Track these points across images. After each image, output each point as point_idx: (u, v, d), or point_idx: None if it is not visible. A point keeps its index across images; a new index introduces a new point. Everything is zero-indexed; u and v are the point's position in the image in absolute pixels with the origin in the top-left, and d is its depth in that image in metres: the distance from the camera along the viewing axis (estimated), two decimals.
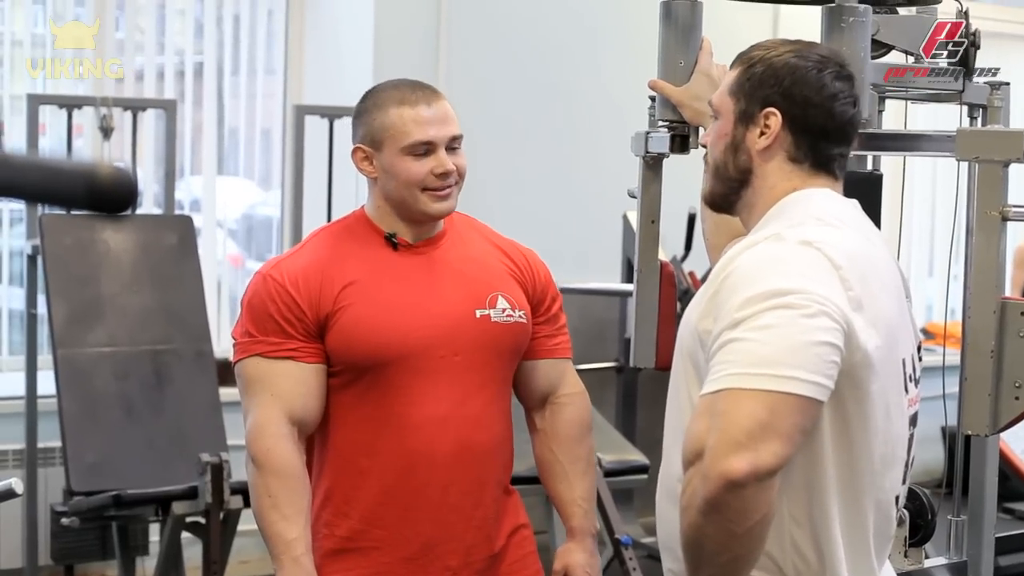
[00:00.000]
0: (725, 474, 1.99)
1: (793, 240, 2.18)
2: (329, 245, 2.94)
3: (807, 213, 2.26)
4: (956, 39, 2.87)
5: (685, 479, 2.09)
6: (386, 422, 2.86)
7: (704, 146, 2.48)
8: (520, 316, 2.95)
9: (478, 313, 2.90)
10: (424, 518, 2.88)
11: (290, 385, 2.83)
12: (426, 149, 2.85)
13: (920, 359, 2.41)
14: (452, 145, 2.89)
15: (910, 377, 2.33)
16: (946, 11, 2.99)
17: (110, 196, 1.10)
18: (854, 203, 2.37)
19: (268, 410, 2.82)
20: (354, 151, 2.93)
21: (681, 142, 2.90)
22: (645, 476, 5.44)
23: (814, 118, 2.30)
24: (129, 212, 1.10)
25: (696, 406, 2.12)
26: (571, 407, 3.07)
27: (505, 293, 2.95)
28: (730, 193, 2.38)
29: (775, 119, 2.30)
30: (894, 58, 2.97)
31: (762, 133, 2.31)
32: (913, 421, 2.36)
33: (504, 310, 2.93)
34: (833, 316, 2.09)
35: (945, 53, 2.87)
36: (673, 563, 2.31)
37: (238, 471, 4.74)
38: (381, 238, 2.92)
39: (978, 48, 2.90)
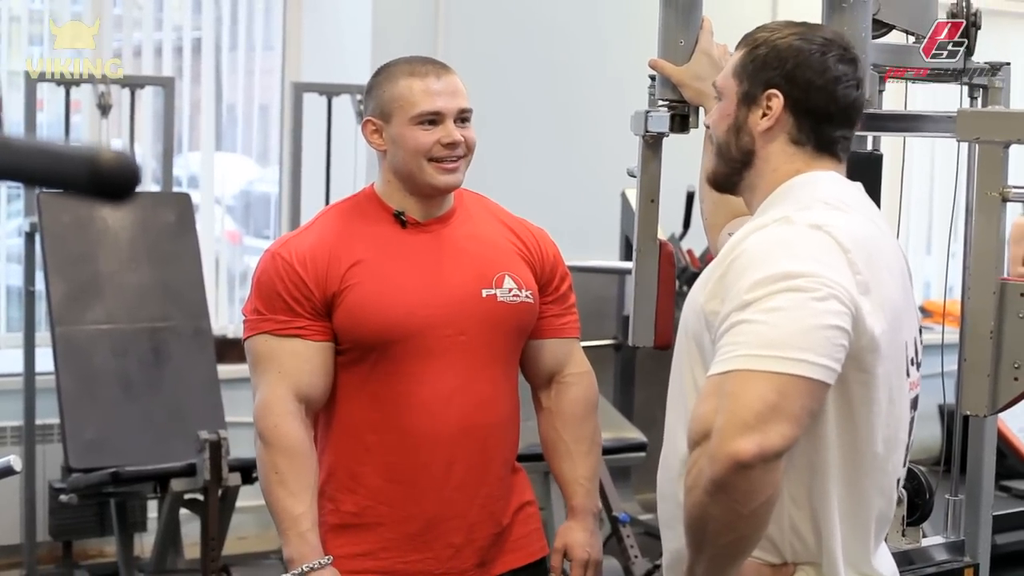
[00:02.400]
0: (733, 455, 1.99)
1: (802, 223, 2.18)
2: (337, 223, 2.94)
3: (814, 197, 2.26)
4: (956, 39, 2.87)
5: (691, 459, 2.09)
6: (391, 400, 2.87)
7: (708, 126, 2.48)
8: (527, 296, 2.95)
9: (484, 293, 2.91)
10: (428, 496, 2.89)
11: (297, 363, 2.84)
12: (434, 119, 2.86)
13: (921, 342, 2.42)
14: (461, 117, 2.89)
15: (912, 360, 2.33)
16: None
17: (112, 183, 1.10)
18: (858, 186, 2.37)
19: (275, 387, 2.84)
20: (364, 124, 2.94)
21: (681, 122, 2.90)
22: (643, 454, 5.44)
23: (816, 101, 2.30)
24: (129, 199, 1.09)
25: (703, 387, 2.12)
26: (577, 387, 3.07)
27: (512, 273, 2.95)
28: (732, 174, 2.38)
29: (777, 101, 2.30)
30: (894, 38, 2.97)
31: (764, 115, 2.31)
32: (914, 404, 2.37)
33: (511, 290, 2.93)
34: (842, 300, 2.09)
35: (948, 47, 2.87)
36: (674, 541, 2.31)
37: (236, 448, 4.76)
38: (390, 216, 2.92)
39: (979, 28, 2.89)
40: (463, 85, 2.92)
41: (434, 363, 2.87)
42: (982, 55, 2.96)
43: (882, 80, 2.95)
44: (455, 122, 2.87)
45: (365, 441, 2.89)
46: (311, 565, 2.80)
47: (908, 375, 2.31)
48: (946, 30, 2.88)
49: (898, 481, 2.37)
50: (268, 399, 2.84)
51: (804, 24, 2.38)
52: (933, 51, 2.90)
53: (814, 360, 2.04)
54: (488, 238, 2.99)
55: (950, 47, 2.88)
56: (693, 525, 2.11)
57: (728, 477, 2.00)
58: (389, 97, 2.88)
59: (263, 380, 2.86)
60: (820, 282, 2.09)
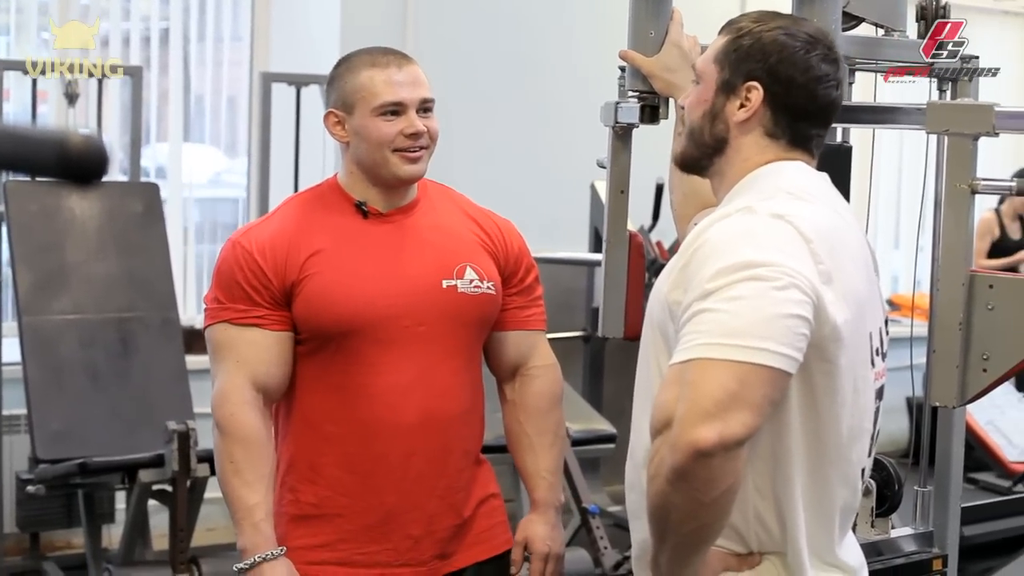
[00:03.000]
0: (693, 443, 1.98)
1: (764, 213, 2.18)
2: (299, 213, 2.94)
3: (778, 186, 2.27)
4: (957, 39, 2.88)
5: (653, 448, 2.09)
6: (350, 390, 2.86)
7: (683, 107, 2.48)
8: (488, 287, 2.95)
9: (444, 283, 2.90)
10: (386, 487, 2.89)
11: (255, 352, 2.84)
12: (396, 110, 2.86)
13: (887, 333, 2.42)
14: (424, 107, 2.89)
15: (877, 351, 2.34)
16: None
17: (81, 165, 1.10)
18: (824, 176, 2.38)
19: (233, 377, 2.83)
20: (326, 116, 2.94)
21: (651, 112, 2.89)
22: (612, 445, 5.46)
23: (796, 98, 2.30)
24: (98, 182, 1.09)
25: (665, 376, 2.12)
26: (541, 379, 3.07)
27: (474, 264, 2.94)
28: (702, 158, 2.38)
29: (756, 94, 2.30)
30: (864, 30, 2.97)
31: (742, 106, 2.31)
32: (879, 394, 2.37)
33: (472, 281, 2.92)
34: (803, 289, 2.09)
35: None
36: (641, 532, 2.31)
37: (205, 439, 4.73)
38: (351, 206, 2.92)
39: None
40: (425, 75, 2.92)
41: (393, 354, 2.86)
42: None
43: (851, 72, 2.96)
44: (417, 112, 2.88)
45: (324, 431, 2.89)
46: (264, 555, 2.80)
47: (873, 365, 2.32)
48: (946, 29, 2.89)
49: (863, 471, 2.37)
50: (225, 388, 2.84)
51: (789, 17, 2.38)
52: (933, 51, 2.91)
53: (775, 349, 2.04)
54: (451, 229, 2.98)
55: (950, 47, 2.89)
56: (655, 514, 2.11)
57: (689, 465, 2.00)
58: (351, 88, 2.88)
59: (221, 369, 2.86)
60: (781, 271, 2.09)
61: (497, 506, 3.09)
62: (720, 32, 2.39)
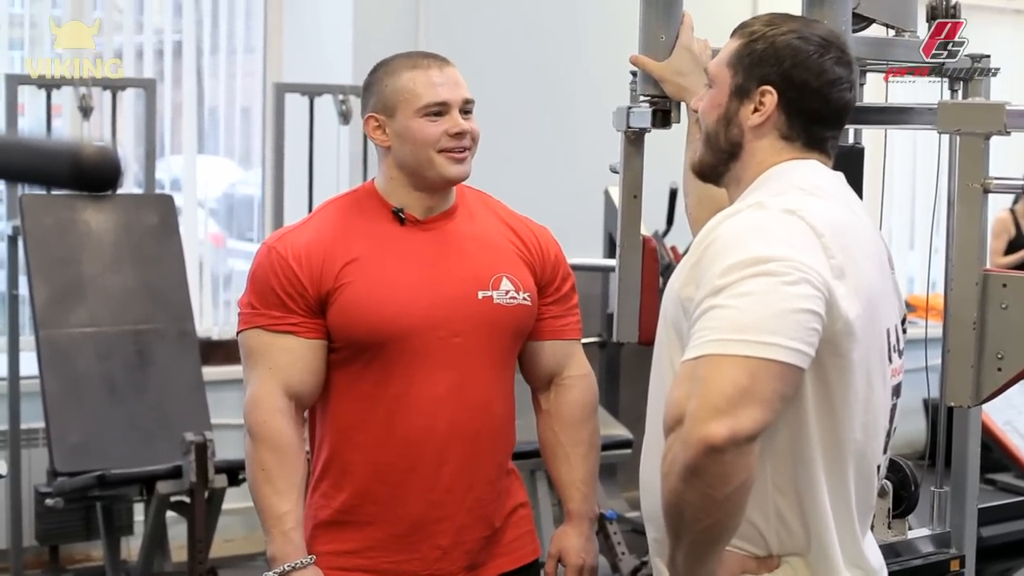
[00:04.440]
0: (705, 439, 1.99)
1: (776, 208, 2.18)
2: (335, 219, 2.92)
3: (790, 183, 2.27)
4: (957, 39, 2.88)
5: (666, 445, 2.09)
6: (383, 400, 2.85)
7: (695, 111, 2.48)
8: (524, 298, 2.93)
9: (480, 295, 2.88)
10: (416, 497, 2.87)
11: (289, 360, 2.82)
12: (440, 110, 2.84)
13: (904, 331, 2.42)
14: (465, 108, 2.88)
15: (894, 347, 2.34)
16: None
17: (95, 175, 1.10)
18: (839, 175, 2.38)
19: (265, 383, 2.82)
20: (366, 120, 2.91)
21: (663, 117, 2.89)
22: (629, 451, 5.45)
23: (810, 102, 2.30)
24: (113, 191, 1.10)
25: (678, 373, 2.12)
26: (576, 389, 3.04)
27: (510, 274, 2.93)
28: (719, 164, 2.38)
29: (771, 98, 2.30)
30: (875, 31, 2.97)
31: (756, 110, 2.31)
32: (896, 391, 2.37)
33: (507, 292, 2.90)
34: (814, 283, 2.10)
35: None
36: (657, 533, 2.32)
37: (222, 450, 4.75)
38: (388, 212, 2.90)
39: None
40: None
41: (427, 365, 2.84)
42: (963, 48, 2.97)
43: (862, 73, 2.96)
44: (460, 112, 2.87)
45: (356, 440, 2.87)
46: (293, 564, 2.79)
47: (890, 361, 2.32)
48: (947, 29, 2.89)
49: (879, 469, 2.37)
50: (258, 394, 2.82)
51: (802, 19, 2.38)
52: (933, 51, 2.91)
53: (785, 344, 2.04)
54: (488, 238, 2.96)
55: (950, 47, 2.89)
56: (670, 512, 2.11)
57: (701, 461, 2.00)
58: (392, 91, 2.86)
59: (254, 375, 2.84)
60: (792, 266, 2.09)
61: (525, 515, 3.07)
62: (732, 35, 2.39)
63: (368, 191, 2.95)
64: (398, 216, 2.89)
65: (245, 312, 2.88)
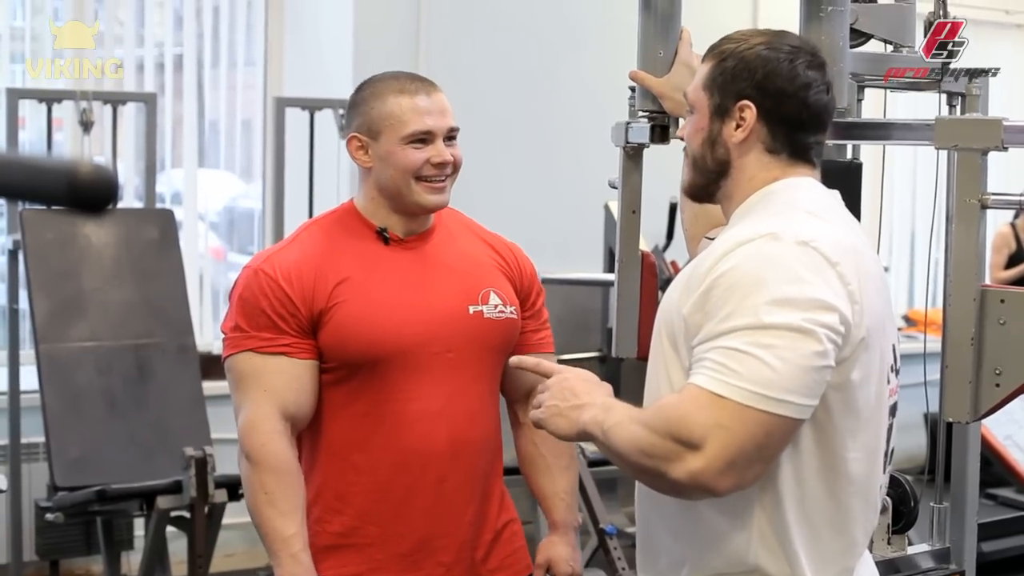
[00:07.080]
0: (709, 486, 2.09)
1: (790, 240, 2.17)
2: (321, 239, 2.91)
3: (795, 206, 2.26)
4: (957, 39, 2.88)
5: (664, 447, 2.11)
6: (380, 418, 2.84)
7: (681, 139, 2.49)
8: (511, 312, 2.95)
9: (471, 309, 2.89)
10: (418, 514, 2.87)
11: (283, 381, 2.80)
12: (424, 138, 2.84)
13: (898, 349, 2.42)
14: (450, 135, 2.88)
15: (891, 367, 2.34)
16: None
17: (90, 194, 1.10)
18: (835, 194, 2.38)
19: (261, 406, 2.80)
20: (349, 140, 2.90)
21: (661, 132, 2.90)
22: None
23: (788, 109, 2.31)
24: (108, 211, 1.10)
25: (692, 392, 2.11)
26: None
27: (496, 289, 2.94)
28: (709, 184, 2.39)
29: (750, 112, 2.30)
30: (873, 47, 2.98)
31: (738, 126, 2.32)
32: (892, 411, 2.37)
33: (496, 306, 2.92)
34: (833, 330, 2.12)
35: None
36: (648, 570, 2.39)
37: (222, 465, 4.75)
38: (372, 232, 2.90)
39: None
40: (448, 103, 2.91)
41: (422, 381, 2.85)
42: (963, 63, 2.97)
43: (860, 89, 2.96)
44: (444, 140, 2.87)
45: (352, 461, 2.86)
46: None
47: (888, 382, 2.32)
48: (946, 29, 2.89)
49: (880, 487, 2.37)
50: (254, 418, 2.80)
51: (769, 31, 2.38)
52: (933, 51, 2.90)
53: (799, 401, 2.10)
54: (470, 254, 2.98)
55: (950, 47, 2.89)
56: (622, 464, 2.23)
57: (692, 492, 2.14)
58: (378, 115, 2.85)
59: (247, 399, 2.82)
60: (814, 318, 2.10)
61: (517, 531, 3.08)
62: (704, 59, 2.40)
63: (349, 211, 2.95)
64: (383, 236, 2.90)
65: (232, 336, 2.85)
